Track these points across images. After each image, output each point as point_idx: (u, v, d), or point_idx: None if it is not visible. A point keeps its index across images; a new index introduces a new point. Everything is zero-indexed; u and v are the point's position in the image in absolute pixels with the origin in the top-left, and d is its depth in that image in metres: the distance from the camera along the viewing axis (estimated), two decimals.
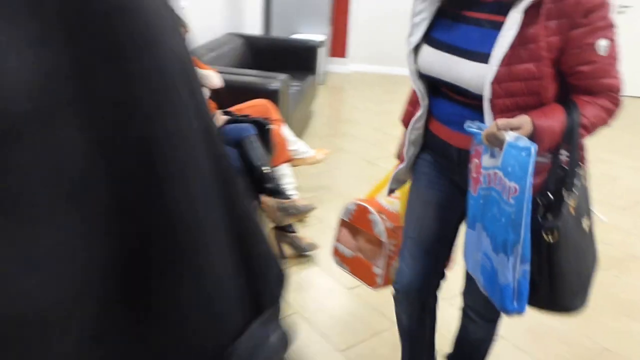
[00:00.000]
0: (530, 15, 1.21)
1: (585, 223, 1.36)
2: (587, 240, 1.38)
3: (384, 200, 1.80)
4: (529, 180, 1.18)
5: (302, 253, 2.70)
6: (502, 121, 1.24)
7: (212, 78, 3.11)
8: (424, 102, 1.49)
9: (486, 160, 1.29)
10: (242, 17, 5.17)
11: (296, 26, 6.08)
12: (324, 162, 3.56)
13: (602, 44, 1.24)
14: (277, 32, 5.99)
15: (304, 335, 2.23)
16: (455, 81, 1.34)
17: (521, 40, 1.22)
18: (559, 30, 1.22)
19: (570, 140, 1.28)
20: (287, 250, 2.71)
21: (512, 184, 1.20)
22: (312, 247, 2.72)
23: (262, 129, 2.73)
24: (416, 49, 1.44)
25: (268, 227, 2.73)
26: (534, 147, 1.18)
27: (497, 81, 1.25)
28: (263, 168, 2.60)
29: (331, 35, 6.49)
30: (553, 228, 1.28)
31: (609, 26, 1.24)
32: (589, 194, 1.40)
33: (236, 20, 5.13)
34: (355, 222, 1.79)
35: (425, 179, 1.57)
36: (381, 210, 1.75)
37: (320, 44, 5.16)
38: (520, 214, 1.19)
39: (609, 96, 1.30)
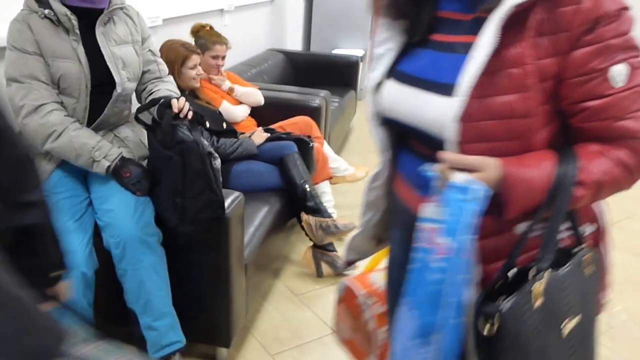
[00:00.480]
0: (513, 28, 0.89)
1: (568, 325, 0.95)
2: (561, 349, 0.95)
3: (380, 275, 1.48)
4: (464, 236, 0.86)
5: (340, 272, 2.67)
6: (453, 156, 0.93)
7: (254, 95, 3.15)
8: (385, 154, 1.17)
9: (430, 210, 0.93)
10: (283, 33, 5.23)
11: (336, 41, 6.09)
12: (362, 180, 3.53)
13: (617, 71, 0.89)
14: (317, 47, 6.02)
15: (340, 355, 2.21)
16: (420, 124, 1.00)
17: (499, 63, 0.89)
18: (555, 50, 0.89)
19: (552, 202, 0.91)
20: (326, 269, 2.70)
21: (442, 241, 0.88)
22: (351, 266, 2.69)
23: (304, 146, 2.74)
24: (379, 87, 1.09)
25: (307, 245, 2.73)
26: (480, 189, 0.87)
27: (465, 119, 0.92)
28: (305, 186, 2.61)
29: (370, 50, 6.47)
30: (492, 314, 0.89)
31: (629, 45, 0.89)
32: (595, 290, 1.02)
33: (277, 36, 5.20)
34: (346, 305, 1.52)
35: (395, 264, 1.22)
36: (371, 292, 1.46)
37: (361, 59, 5.15)
38: (447, 285, 0.87)
39: (629, 145, 0.92)
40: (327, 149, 3.23)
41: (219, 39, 2.95)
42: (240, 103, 3.12)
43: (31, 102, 1.77)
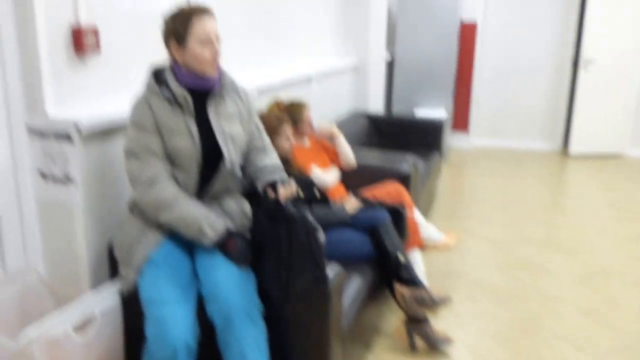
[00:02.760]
0: None
1: None
2: None
3: None
4: None
5: (436, 347, 2.62)
6: None
7: (349, 153, 3.20)
8: None
9: None
10: (366, 96, 5.38)
11: (417, 100, 6.17)
12: (453, 247, 3.49)
13: None
14: (399, 108, 6.13)
15: None
16: None
17: None
18: None
19: None
20: (420, 343, 2.65)
21: None
22: (447, 341, 2.64)
23: (397, 215, 2.75)
24: None
25: (400, 316, 2.69)
26: None
27: None
28: (398, 256, 2.61)
29: (452, 108, 6.51)
30: None
31: None
32: None
33: (360, 100, 5.36)
34: None
35: None
36: None
37: (445, 120, 5.17)
38: None
39: None
40: (417, 215, 3.22)
41: (301, 108, 3.02)
42: (330, 168, 3.19)
43: (148, 176, 1.90)
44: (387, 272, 2.64)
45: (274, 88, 3.43)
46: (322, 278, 1.83)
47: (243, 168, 2.15)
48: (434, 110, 5.93)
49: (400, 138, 4.80)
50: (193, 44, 1.93)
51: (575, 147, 6.52)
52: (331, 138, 3.13)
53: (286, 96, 3.42)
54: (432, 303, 2.60)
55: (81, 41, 2.02)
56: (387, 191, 3.13)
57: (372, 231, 2.65)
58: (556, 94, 6.76)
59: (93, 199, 2.10)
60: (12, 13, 1.90)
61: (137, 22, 2.33)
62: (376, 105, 5.50)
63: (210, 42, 1.95)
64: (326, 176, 3.09)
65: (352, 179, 3.24)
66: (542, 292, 3.23)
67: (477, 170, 6.05)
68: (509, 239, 4.06)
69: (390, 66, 6.18)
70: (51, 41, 1.94)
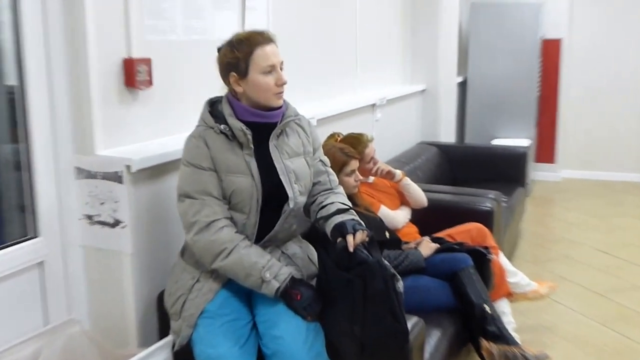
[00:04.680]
0: None
1: None
2: None
3: None
4: None
5: None
6: None
7: (420, 192, 3.16)
8: None
9: None
10: (435, 124, 5.37)
11: (495, 130, 6.09)
12: (545, 297, 3.38)
13: None
14: (473, 138, 6.09)
15: None
16: None
17: None
18: None
19: None
20: None
21: None
22: None
23: (480, 259, 2.69)
24: None
25: None
26: None
27: None
28: (484, 306, 2.55)
29: (535, 136, 6.41)
30: None
31: None
32: None
33: (429, 128, 5.34)
34: None
35: None
36: None
37: (528, 149, 5.12)
38: None
39: None
40: (503, 260, 3.14)
41: (365, 141, 2.99)
42: (400, 206, 3.15)
43: (203, 219, 1.91)
44: (471, 326, 2.57)
45: (333, 118, 3.45)
46: (402, 331, 1.79)
47: (308, 208, 2.14)
48: (514, 139, 5.84)
49: (476, 171, 4.75)
50: (255, 74, 1.95)
51: None
52: (393, 178, 3.14)
53: (347, 126, 3.43)
54: None
55: (133, 75, 2.08)
56: (468, 232, 3.07)
57: (452, 277, 2.61)
58: None
59: (143, 244, 2.12)
60: (63, 48, 1.98)
61: (191, 53, 2.39)
62: (447, 134, 5.50)
63: (274, 70, 1.97)
64: (396, 216, 3.06)
65: (426, 219, 3.20)
66: None
67: (566, 206, 5.90)
68: (611, 287, 3.93)
69: (463, 90, 6.16)
70: (102, 76, 2.00)
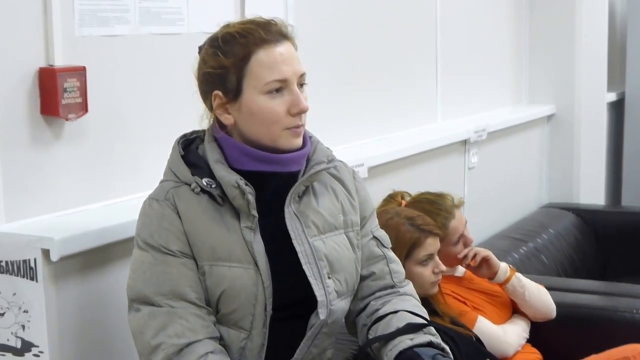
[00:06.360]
0: None
1: None
2: None
3: None
4: None
5: None
6: None
7: (544, 297, 2.84)
8: None
9: None
10: (571, 174, 4.83)
11: None
12: None
13: None
14: (632, 199, 5.45)
15: None
16: None
17: None
18: None
19: None
20: None
21: None
22: None
23: None
24: None
25: None
26: None
27: None
28: None
29: None
30: None
31: None
32: None
33: (560, 180, 4.86)
34: None
35: None
36: None
37: None
38: None
39: None
40: None
41: (448, 207, 2.66)
42: (511, 317, 2.81)
43: (172, 340, 1.66)
44: None
45: (395, 166, 3.10)
46: None
47: (353, 320, 1.91)
48: None
49: None
50: (252, 93, 1.70)
51: None
52: (495, 275, 2.77)
53: (418, 180, 3.11)
54: None
55: (55, 95, 1.84)
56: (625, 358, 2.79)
57: None
58: None
59: None
60: None
61: (153, 56, 2.14)
62: (593, 190, 4.89)
63: (286, 87, 1.69)
64: (504, 334, 2.73)
65: (556, 337, 2.85)
66: None
67: None
68: None
69: (618, 114, 5.53)
70: (1, 100, 1.74)
